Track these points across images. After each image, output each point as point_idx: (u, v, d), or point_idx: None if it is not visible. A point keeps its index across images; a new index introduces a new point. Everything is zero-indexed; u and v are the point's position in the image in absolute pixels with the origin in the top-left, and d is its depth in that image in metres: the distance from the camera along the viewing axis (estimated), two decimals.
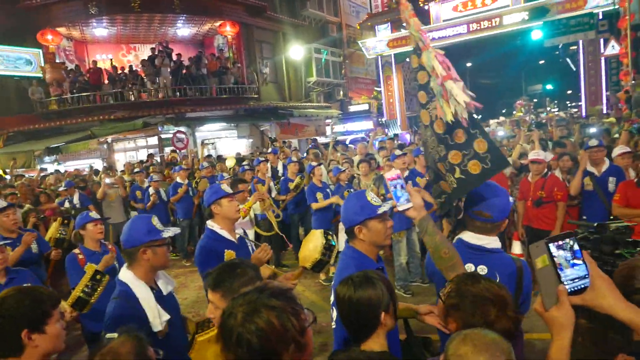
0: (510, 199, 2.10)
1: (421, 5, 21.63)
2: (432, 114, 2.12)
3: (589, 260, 1.15)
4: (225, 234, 2.94)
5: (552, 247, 1.13)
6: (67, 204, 7.80)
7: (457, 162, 2.06)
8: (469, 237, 2.11)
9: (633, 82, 15.32)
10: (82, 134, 14.55)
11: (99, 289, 3.09)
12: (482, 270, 2.04)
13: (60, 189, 8.20)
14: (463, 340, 1.21)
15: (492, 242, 2.03)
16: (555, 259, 1.13)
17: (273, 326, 1.08)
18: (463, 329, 1.49)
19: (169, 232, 2.33)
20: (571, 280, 1.12)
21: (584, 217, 5.17)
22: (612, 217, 4.32)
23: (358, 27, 24.62)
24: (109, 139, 15.63)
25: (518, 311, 1.53)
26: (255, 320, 1.08)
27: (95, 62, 17.09)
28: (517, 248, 5.83)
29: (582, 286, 1.13)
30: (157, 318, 2.18)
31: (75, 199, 7.95)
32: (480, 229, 2.04)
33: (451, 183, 2.09)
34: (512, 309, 1.48)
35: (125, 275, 2.27)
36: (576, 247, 1.15)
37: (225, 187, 2.96)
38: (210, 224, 2.98)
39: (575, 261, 1.14)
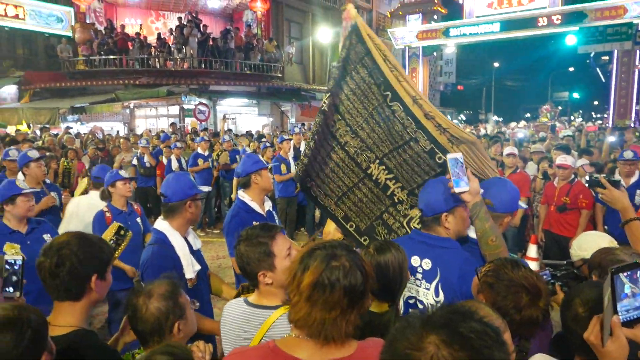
0: (523, 204, 2.07)
1: None
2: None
3: None
4: (255, 206, 2.98)
5: (616, 277, 1.11)
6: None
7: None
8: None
9: None
10: (106, 96, 14.68)
11: (122, 244, 3.15)
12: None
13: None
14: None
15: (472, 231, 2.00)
16: (616, 288, 1.10)
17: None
18: (491, 307, 1.52)
19: (206, 187, 2.54)
20: (625, 310, 1.10)
21: (606, 227, 5.13)
22: None
23: (389, 15, 24.23)
24: (132, 104, 15.75)
25: (549, 304, 1.55)
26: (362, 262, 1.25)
27: (123, 26, 17.11)
28: (532, 251, 5.78)
29: (636, 316, 1.10)
30: (190, 266, 2.30)
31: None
32: None
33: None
34: (544, 301, 1.49)
35: (162, 224, 2.36)
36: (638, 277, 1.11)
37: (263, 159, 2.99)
38: (241, 194, 3.01)
39: (635, 292, 1.11)
